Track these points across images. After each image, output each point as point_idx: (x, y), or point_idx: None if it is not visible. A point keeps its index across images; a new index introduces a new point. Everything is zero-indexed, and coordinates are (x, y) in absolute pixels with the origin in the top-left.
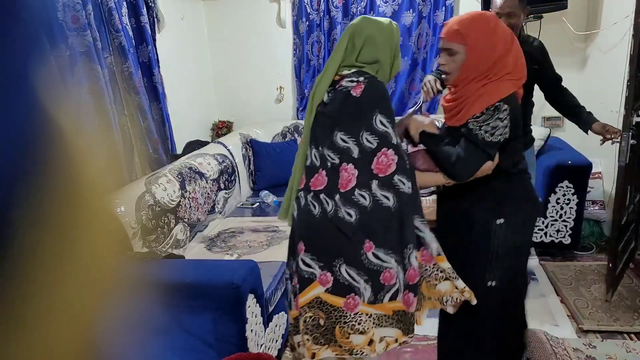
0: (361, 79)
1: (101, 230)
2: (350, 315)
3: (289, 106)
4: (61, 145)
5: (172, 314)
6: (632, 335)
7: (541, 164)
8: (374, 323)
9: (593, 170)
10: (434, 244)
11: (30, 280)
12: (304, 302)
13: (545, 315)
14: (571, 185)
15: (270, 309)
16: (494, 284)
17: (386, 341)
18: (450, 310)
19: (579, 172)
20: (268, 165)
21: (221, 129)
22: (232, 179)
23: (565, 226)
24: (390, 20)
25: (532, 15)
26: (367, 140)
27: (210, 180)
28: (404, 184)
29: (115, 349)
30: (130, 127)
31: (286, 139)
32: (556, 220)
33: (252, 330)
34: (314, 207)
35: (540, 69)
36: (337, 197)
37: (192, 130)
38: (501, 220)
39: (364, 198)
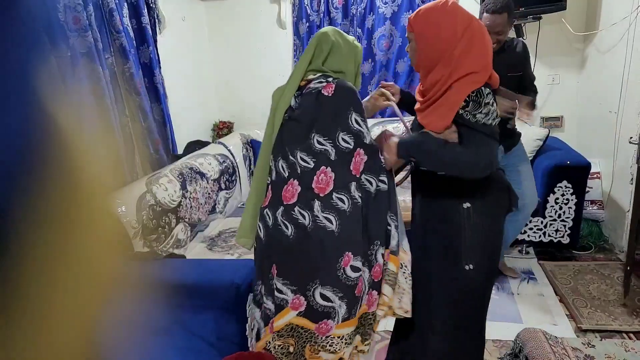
0: (329, 79)
1: (102, 230)
2: (321, 337)
3: None
4: (62, 146)
5: (173, 313)
6: (631, 335)
7: (540, 164)
8: (345, 343)
9: (592, 171)
10: (393, 241)
11: (30, 279)
12: (276, 328)
13: (544, 314)
14: (570, 185)
15: None
16: (471, 267)
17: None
18: (378, 315)
19: (577, 172)
20: None
21: (222, 129)
22: (232, 179)
23: (564, 226)
24: (355, 39)
25: (531, 16)
26: (344, 141)
27: (211, 180)
28: (371, 183)
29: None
30: (131, 128)
31: None
32: (555, 220)
33: (253, 329)
34: (286, 226)
35: (523, 74)
36: (317, 204)
37: (193, 131)
38: (467, 205)
39: (343, 202)
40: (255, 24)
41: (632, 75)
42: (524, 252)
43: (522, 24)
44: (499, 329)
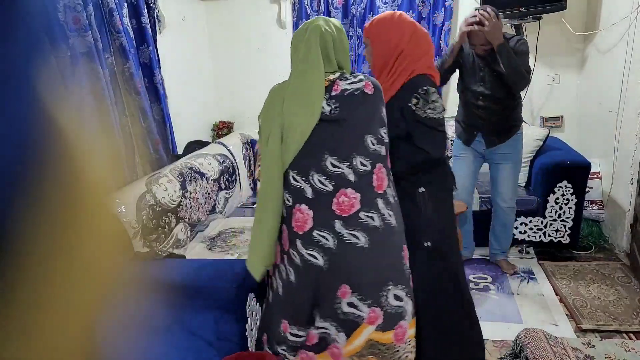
0: (361, 77)
1: (102, 230)
2: (401, 348)
3: None
4: (62, 146)
5: (173, 313)
6: (631, 335)
7: (540, 164)
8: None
9: (592, 170)
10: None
11: (31, 279)
12: (354, 350)
13: (544, 314)
14: (570, 185)
15: None
16: (429, 244)
17: None
18: None
19: (578, 172)
20: None
21: (222, 129)
22: (232, 179)
23: (564, 226)
24: (339, 22)
25: (531, 16)
26: (383, 136)
27: (211, 180)
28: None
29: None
30: (131, 128)
31: None
32: (555, 220)
33: (252, 329)
34: (357, 237)
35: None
36: (380, 202)
37: (193, 131)
38: (422, 189)
39: (394, 198)
40: (255, 24)
41: (632, 75)
42: (524, 252)
43: (522, 24)
44: (499, 329)
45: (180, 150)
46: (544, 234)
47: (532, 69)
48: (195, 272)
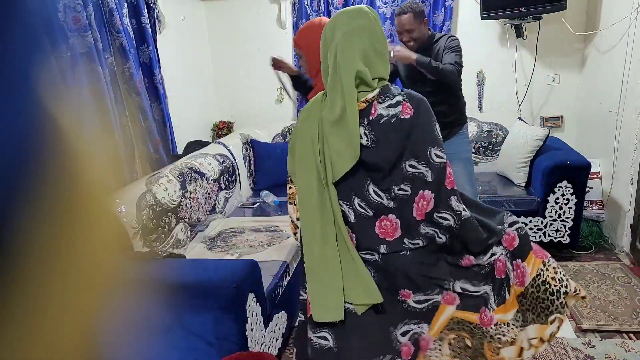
0: (399, 97)
1: (102, 230)
2: (492, 329)
3: (289, 107)
4: (62, 146)
5: (173, 313)
6: (631, 335)
7: (540, 164)
8: (517, 327)
9: (592, 170)
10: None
11: (31, 279)
12: (440, 328)
13: None
14: (570, 185)
15: (271, 308)
16: None
17: (533, 345)
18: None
19: (578, 172)
20: (268, 165)
21: (222, 129)
22: (232, 179)
23: (564, 226)
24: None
25: (531, 16)
26: (437, 156)
27: (211, 180)
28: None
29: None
30: (131, 128)
31: (286, 139)
32: (555, 220)
33: (252, 329)
34: (405, 250)
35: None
36: (420, 227)
37: (193, 131)
38: None
39: (446, 219)
40: (255, 24)
41: (632, 75)
42: None
43: (522, 24)
44: None
45: (180, 150)
46: (544, 234)
47: (533, 69)
48: (195, 272)
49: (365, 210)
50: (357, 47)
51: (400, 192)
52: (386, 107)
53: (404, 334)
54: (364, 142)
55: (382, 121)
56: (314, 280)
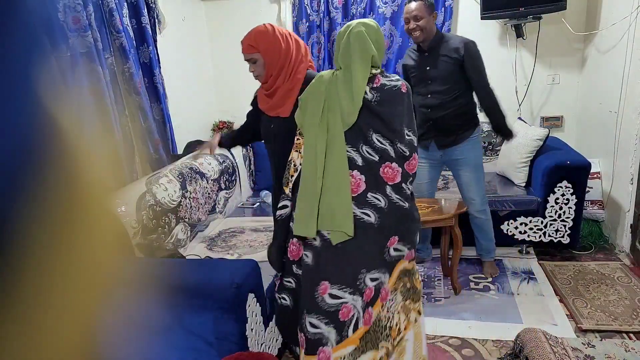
0: (397, 77)
1: (102, 230)
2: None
3: None
4: (62, 146)
5: (173, 313)
6: (631, 335)
7: (540, 164)
8: None
9: (592, 171)
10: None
11: (31, 279)
12: (394, 280)
13: (544, 314)
14: (570, 185)
15: (271, 308)
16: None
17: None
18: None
19: (578, 172)
20: (268, 165)
21: (222, 129)
22: (232, 179)
23: (564, 226)
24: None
25: (531, 16)
26: (408, 136)
27: (211, 180)
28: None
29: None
30: (131, 128)
31: None
32: (555, 220)
33: (252, 329)
34: (403, 202)
35: (471, 72)
36: (408, 183)
37: (193, 131)
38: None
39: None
40: (255, 24)
41: (632, 75)
42: (524, 252)
43: (522, 24)
44: (498, 329)
45: (180, 150)
46: (544, 234)
47: (533, 69)
48: (195, 272)
49: (372, 156)
50: (372, 37)
51: (400, 151)
52: (388, 80)
53: (373, 280)
54: (369, 97)
55: (385, 88)
56: (302, 207)
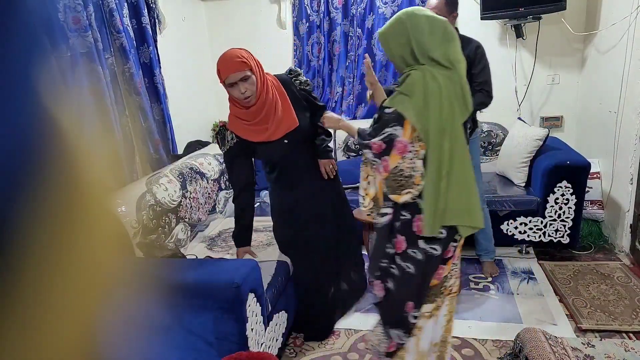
0: None
1: (102, 230)
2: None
3: None
4: (62, 146)
5: (173, 313)
6: (631, 335)
7: (540, 164)
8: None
9: (592, 171)
10: None
11: (31, 279)
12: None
13: (544, 314)
14: (570, 185)
15: (271, 308)
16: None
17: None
18: None
19: (577, 172)
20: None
21: (222, 129)
22: None
23: (564, 226)
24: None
25: (531, 16)
26: None
27: (211, 180)
28: None
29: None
30: (131, 128)
31: None
32: (555, 220)
33: (252, 329)
34: None
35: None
36: None
37: (193, 131)
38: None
39: None
40: (255, 24)
41: (632, 75)
42: (523, 252)
43: (522, 24)
44: (498, 329)
45: (180, 150)
46: (544, 234)
47: (533, 69)
48: (195, 272)
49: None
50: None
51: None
52: None
53: (455, 241)
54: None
55: None
56: (432, 207)
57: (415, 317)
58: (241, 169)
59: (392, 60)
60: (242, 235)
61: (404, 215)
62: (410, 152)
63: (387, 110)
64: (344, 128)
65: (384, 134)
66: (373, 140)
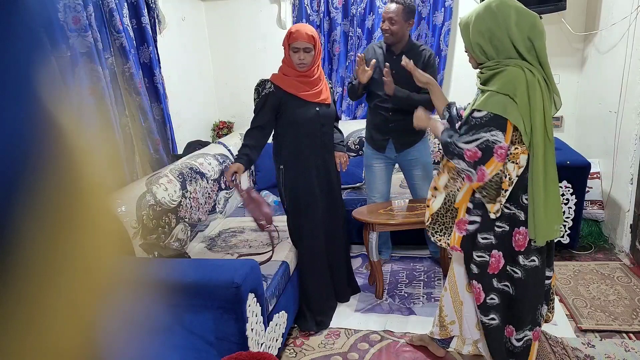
0: None
1: (102, 230)
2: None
3: None
4: (62, 146)
5: (173, 312)
6: (631, 335)
7: None
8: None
9: (592, 171)
10: None
11: (30, 278)
12: None
13: None
14: (570, 186)
15: (271, 308)
16: (287, 206)
17: None
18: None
19: (577, 172)
20: (268, 165)
21: (222, 129)
22: (232, 178)
23: (564, 226)
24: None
25: None
26: None
27: (211, 180)
28: None
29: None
30: (131, 128)
31: None
32: None
33: (252, 329)
34: None
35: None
36: None
37: (193, 131)
38: (281, 166)
39: None
40: (255, 24)
41: (632, 75)
42: None
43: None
44: None
45: (180, 150)
46: None
47: None
48: (195, 272)
49: None
50: None
51: None
52: None
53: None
54: None
55: None
56: (538, 214)
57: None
58: (265, 115)
59: (469, 51)
60: (242, 155)
61: (502, 227)
62: (515, 154)
63: (479, 114)
64: (432, 128)
65: (478, 139)
66: (467, 147)
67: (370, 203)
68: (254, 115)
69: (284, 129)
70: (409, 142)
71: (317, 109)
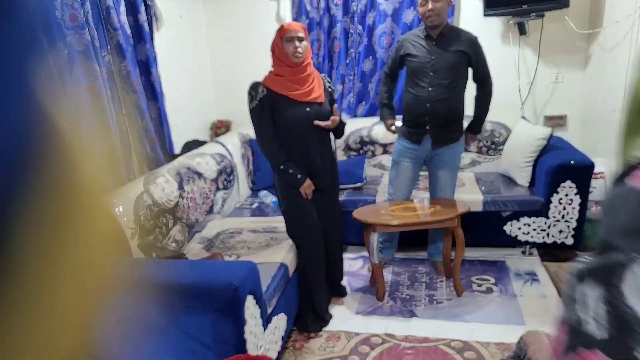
0: None
1: (99, 230)
2: None
3: None
4: (59, 144)
5: (170, 314)
6: None
7: (543, 164)
8: None
9: (595, 170)
10: None
11: (27, 279)
12: None
13: (547, 316)
14: (574, 186)
15: (270, 310)
16: (284, 207)
17: None
18: None
19: (581, 172)
20: (267, 165)
21: (220, 128)
22: (230, 178)
23: (568, 226)
24: None
25: (534, 14)
26: None
27: (209, 180)
28: None
29: (112, 349)
30: (128, 126)
31: None
32: (558, 220)
33: (251, 332)
34: None
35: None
36: None
37: (191, 130)
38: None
39: None
40: (253, 21)
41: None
42: (527, 253)
43: (525, 22)
44: (501, 331)
45: (177, 150)
46: (548, 234)
47: (536, 67)
48: (192, 274)
49: None
50: None
51: None
52: None
53: None
54: None
55: None
56: None
57: None
58: (268, 122)
59: None
60: (295, 172)
61: None
62: None
63: None
64: None
65: None
66: None
67: (388, 200)
68: (257, 129)
69: (278, 130)
70: (448, 139)
71: (308, 108)
